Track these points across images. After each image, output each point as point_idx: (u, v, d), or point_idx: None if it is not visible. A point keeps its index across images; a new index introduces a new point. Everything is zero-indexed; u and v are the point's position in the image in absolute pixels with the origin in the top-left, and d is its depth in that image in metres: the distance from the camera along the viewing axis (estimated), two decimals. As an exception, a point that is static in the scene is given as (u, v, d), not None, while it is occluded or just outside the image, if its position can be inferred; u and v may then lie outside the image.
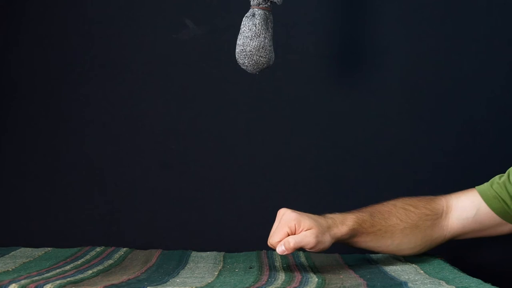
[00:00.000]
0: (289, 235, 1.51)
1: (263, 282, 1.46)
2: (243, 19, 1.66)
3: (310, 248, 1.51)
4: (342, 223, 1.56)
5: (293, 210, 1.53)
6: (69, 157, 1.95)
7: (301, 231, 1.51)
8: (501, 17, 1.92)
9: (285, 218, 1.53)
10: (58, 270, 1.55)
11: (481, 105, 1.92)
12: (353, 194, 1.91)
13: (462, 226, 1.62)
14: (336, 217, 1.57)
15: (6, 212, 1.95)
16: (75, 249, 1.84)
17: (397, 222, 1.60)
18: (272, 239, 1.52)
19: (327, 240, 1.53)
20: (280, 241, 1.50)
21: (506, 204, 1.58)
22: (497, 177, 1.61)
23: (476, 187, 1.62)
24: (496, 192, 1.58)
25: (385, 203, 1.63)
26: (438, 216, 1.62)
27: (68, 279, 1.43)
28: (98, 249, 1.84)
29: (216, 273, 1.59)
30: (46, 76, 1.95)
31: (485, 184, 1.62)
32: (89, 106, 1.95)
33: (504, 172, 1.61)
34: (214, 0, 1.93)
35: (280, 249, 1.50)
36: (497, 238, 1.79)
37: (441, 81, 1.92)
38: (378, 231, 1.59)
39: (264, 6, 1.65)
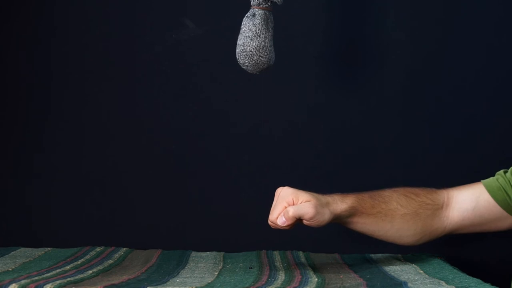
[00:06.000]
0: None
1: (263, 282, 1.46)
2: (244, 19, 1.66)
3: (309, 219, 1.51)
4: (341, 201, 1.56)
5: (290, 187, 1.54)
6: (69, 157, 1.95)
7: (299, 204, 1.51)
8: (501, 18, 1.92)
9: (283, 194, 1.53)
10: (58, 270, 1.55)
11: (482, 105, 1.92)
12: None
13: (462, 218, 1.61)
14: (336, 195, 1.57)
15: (7, 212, 1.95)
16: (75, 249, 1.84)
17: (397, 207, 1.59)
18: (271, 216, 1.52)
19: (326, 213, 1.53)
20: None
21: (508, 195, 1.58)
22: (501, 171, 1.62)
23: (482, 180, 1.62)
24: (501, 184, 1.59)
25: (386, 189, 1.62)
26: (439, 207, 1.62)
27: (68, 279, 1.43)
28: (98, 249, 1.85)
29: (216, 273, 1.59)
30: (46, 76, 1.95)
31: (491, 178, 1.62)
32: (89, 106, 1.95)
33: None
34: (214, 0, 1.93)
35: (281, 221, 1.50)
36: (497, 238, 1.79)
37: (442, 81, 1.92)
38: (378, 214, 1.58)
39: (264, 6, 1.65)
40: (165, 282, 1.45)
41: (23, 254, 1.78)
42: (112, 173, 1.95)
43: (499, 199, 1.59)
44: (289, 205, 1.51)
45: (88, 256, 1.75)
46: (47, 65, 1.95)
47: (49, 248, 1.86)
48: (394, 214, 1.59)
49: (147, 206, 1.94)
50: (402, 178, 1.87)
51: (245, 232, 1.92)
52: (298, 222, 1.51)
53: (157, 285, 1.42)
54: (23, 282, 1.38)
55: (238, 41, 1.66)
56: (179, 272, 1.60)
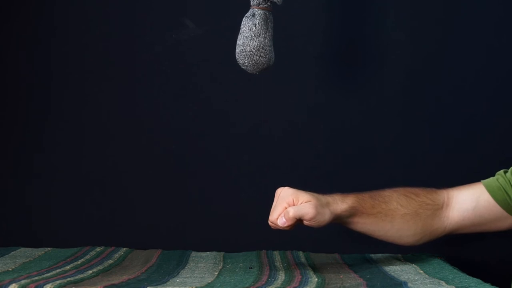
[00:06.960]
0: None
1: (263, 282, 1.46)
2: (243, 19, 1.66)
3: (310, 219, 1.51)
4: (342, 201, 1.56)
5: (290, 187, 1.54)
6: (69, 157, 1.95)
7: (300, 204, 1.51)
8: (501, 18, 1.92)
9: (283, 194, 1.53)
10: (58, 270, 1.55)
11: (482, 105, 1.92)
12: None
13: (462, 218, 1.61)
14: (336, 195, 1.57)
15: (7, 212, 1.95)
16: (75, 249, 1.84)
17: (397, 207, 1.59)
18: (272, 216, 1.52)
19: (327, 213, 1.53)
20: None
21: (508, 195, 1.58)
22: (501, 171, 1.62)
23: (482, 180, 1.63)
24: (501, 184, 1.59)
25: (386, 189, 1.62)
26: (439, 207, 1.62)
27: (68, 279, 1.43)
28: (98, 249, 1.85)
29: (216, 273, 1.59)
30: (46, 76, 1.95)
31: (491, 178, 1.62)
32: (89, 106, 1.95)
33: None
34: (214, 0, 1.93)
35: (281, 221, 1.50)
36: (497, 238, 1.79)
37: (442, 81, 1.92)
38: (378, 214, 1.58)
39: (264, 6, 1.65)
40: (165, 282, 1.45)
41: (23, 254, 1.78)
42: (112, 173, 1.95)
43: (499, 199, 1.59)
44: (289, 205, 1.51)
45: (88, 256, 1.75)
46: (47, 65, 1.95)
47: (49, 248, 1.86)
48: (394, 214, 1.59)
49: (147, 206, 1.94)
50: (402, 178, 1.87)
51: (245, 232, 1.92)
52: (298, 222, 1.51)
53: (157, 285, 1.42)
54: (23, 282, 1.38)
55: (237, 41, 1.66)
56: (179, 272, 1.60)
